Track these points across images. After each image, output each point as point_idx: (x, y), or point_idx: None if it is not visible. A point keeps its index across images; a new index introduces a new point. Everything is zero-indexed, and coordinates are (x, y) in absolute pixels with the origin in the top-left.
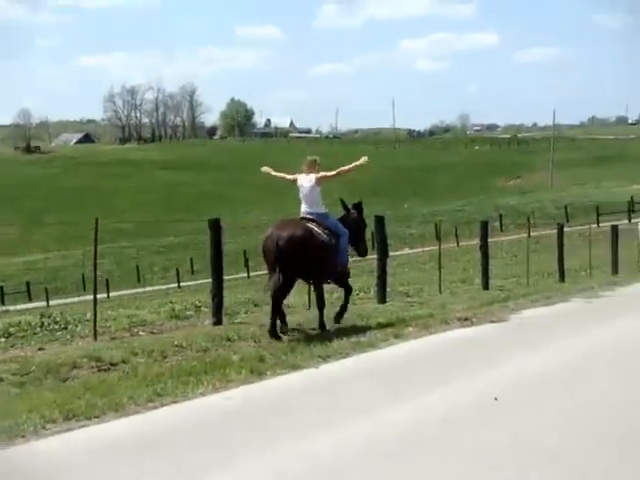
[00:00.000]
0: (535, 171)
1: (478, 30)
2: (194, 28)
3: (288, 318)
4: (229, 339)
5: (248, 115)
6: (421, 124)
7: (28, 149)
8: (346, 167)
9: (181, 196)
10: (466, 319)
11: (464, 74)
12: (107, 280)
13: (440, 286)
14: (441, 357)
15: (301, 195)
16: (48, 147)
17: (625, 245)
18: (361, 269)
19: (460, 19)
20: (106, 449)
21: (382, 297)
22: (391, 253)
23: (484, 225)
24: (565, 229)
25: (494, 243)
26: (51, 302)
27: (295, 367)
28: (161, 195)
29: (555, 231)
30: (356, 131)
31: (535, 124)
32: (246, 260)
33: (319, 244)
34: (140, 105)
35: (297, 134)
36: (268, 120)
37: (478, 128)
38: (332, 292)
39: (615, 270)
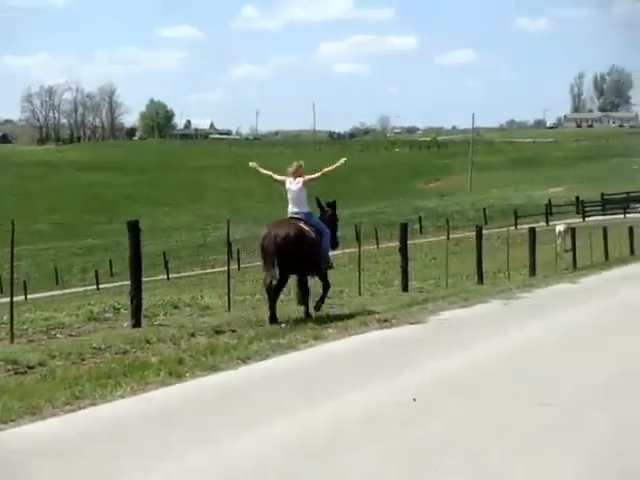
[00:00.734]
0: (454, 174)
1: (398, 33)
2: (113, 28)
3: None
4: (148, 341)
5: (168, 116)
6: (341, 126)
7: None
8: (328, 168)
9: (100, 197)
10: (385, 321)
11: (384, 77)
12: (25, 282)
13: (360, 288)
14: (360, 358)
15: (289, 196)
16: None
17: (543, 247)
18: None
19: (380, 22)
20: (22, 453)
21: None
22: None
23: (404, 227)
24: (484, 232)
25: (414, 245)
26: None
27: (214, 369)
28: (80, 196)
29: (474, 233)
30: (276, 133)
31: (455, 127)
32: (166, 262)
33: (309, 241)
34: (58, 105)
35: (217, 135)
36: (188, 121)
37: (398, 131)
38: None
39: (533, 272)
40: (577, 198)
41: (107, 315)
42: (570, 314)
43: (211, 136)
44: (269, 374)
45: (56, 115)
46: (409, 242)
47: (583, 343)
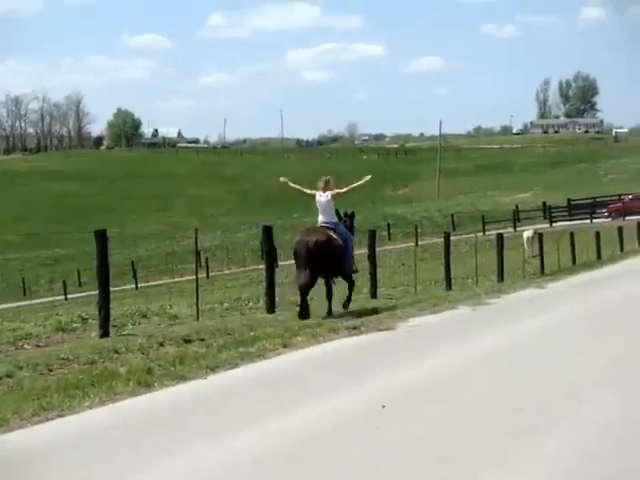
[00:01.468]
0: (422, 180)
1: (366, 41)
2: (80, 37)
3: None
4: (116, 351)
5: (135, 125)
6: (309, 134)
7: None
8: (356, 184)
9: (68, 207)
10: (354, 328)
11: (352, 84)
12: None
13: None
14: (330, 366)
15: (319, 208)
16: None
17: (510, 253)
18: (250, 279)
19: (347, 30)
20: None
21: (271, 307)
22: (280, 263)
23: (372, 234)
24: (452, 238)
25: (382, 252)
26: None
27: (183, 378)
28: (47, 206)
29: (442, 240)
30: (244, 141)
31: (422, 134)
32: (134, 271)
33: (337, 247)
34: (25, 115)
35: (185, 144)
36: (155, 130)
37: (366, 138)
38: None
39: (501, 278)
40: (544, 204)
41: (75, 325)
42: (538, 319)
43: (179, 145)
44: (238, 383)
45: (22, 124)
46: (378, 249)
47: (551, 347)
